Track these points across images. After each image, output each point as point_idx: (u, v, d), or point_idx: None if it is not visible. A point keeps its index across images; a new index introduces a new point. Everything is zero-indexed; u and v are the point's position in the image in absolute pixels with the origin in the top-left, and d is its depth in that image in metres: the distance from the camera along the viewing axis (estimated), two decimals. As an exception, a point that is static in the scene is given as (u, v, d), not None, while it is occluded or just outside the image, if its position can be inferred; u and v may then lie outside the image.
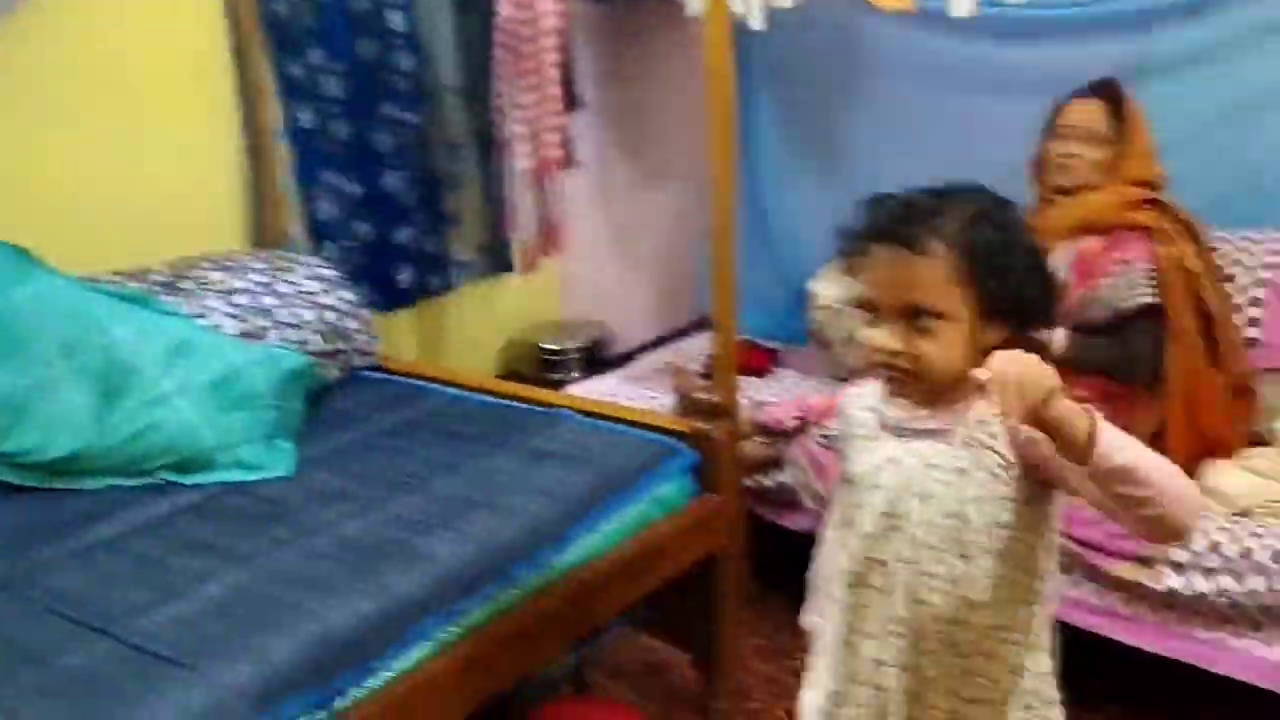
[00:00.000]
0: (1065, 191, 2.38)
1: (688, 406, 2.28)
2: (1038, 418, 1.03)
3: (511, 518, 1.88)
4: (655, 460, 2.13)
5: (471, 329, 3.52)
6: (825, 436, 2.45)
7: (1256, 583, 1.99)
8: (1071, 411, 1.03)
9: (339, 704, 1.52)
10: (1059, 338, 2.28)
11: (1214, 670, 2.07)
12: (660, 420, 2.33)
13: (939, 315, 1.15)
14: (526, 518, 1.88)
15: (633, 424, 2.27)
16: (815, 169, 3.43)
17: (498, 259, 3.54)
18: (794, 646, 2.57)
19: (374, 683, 1.56)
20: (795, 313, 3.44)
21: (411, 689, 1.60)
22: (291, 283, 2.52)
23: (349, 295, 2.62)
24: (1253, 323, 2.52)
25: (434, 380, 2.58)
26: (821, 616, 1.35)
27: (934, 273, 1.14)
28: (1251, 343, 2.49)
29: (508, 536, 1.83)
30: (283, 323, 2.43)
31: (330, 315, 2.54)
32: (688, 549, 2.13)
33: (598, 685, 2.54)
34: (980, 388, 1.04)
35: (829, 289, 3.02)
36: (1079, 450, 1.03)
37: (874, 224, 1.18)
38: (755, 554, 2.34)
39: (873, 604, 1.22)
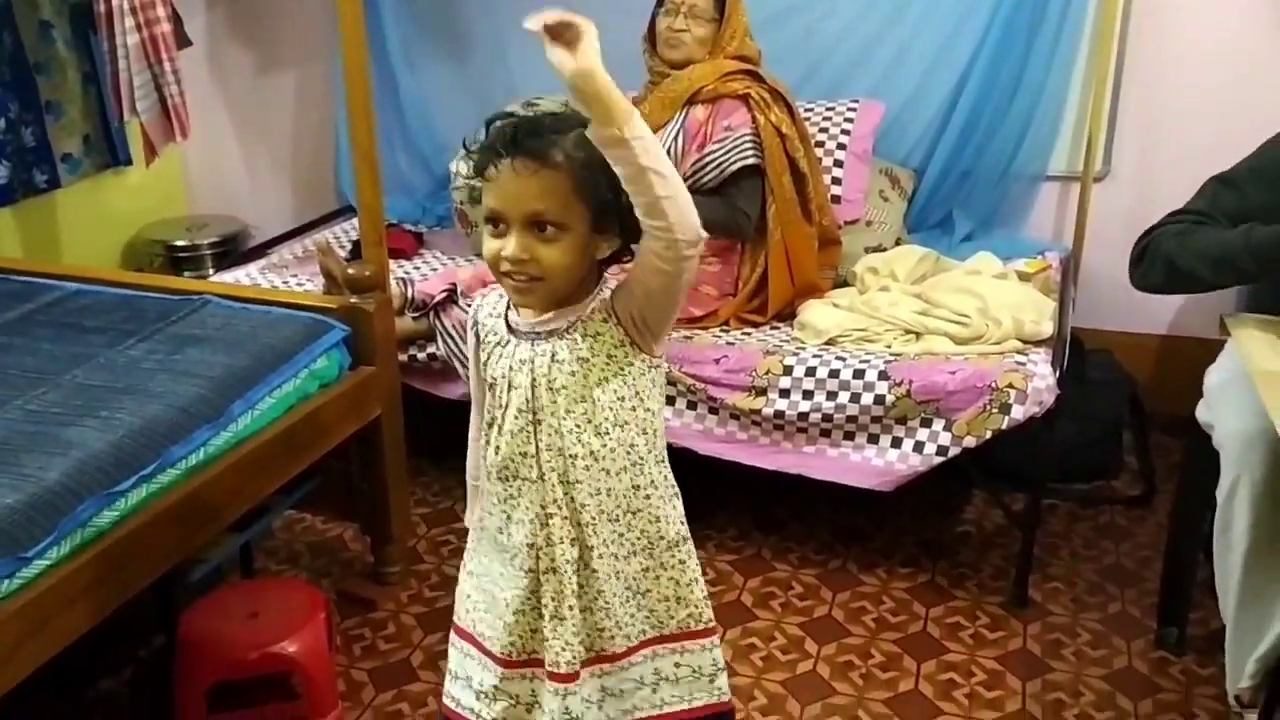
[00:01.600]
0: (675, 65, 2.60)
1: (337, 283, 2.29)
2: (585, 86, 1.11)
3: (161, 401, 1.84)
4: (308, 337, 2.14)
5: (86, 230, 3.27)
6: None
7: (844, 398, 2.35)
8: (610, 85, 1.13)
9: (-7, 597, 1.46)
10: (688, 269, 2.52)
11: (816, 477, 2.44)
12: (309, 299, 2.33)
13: (560, 225, 1.25)
14: (179, 399, 1.85)
15: (281, 304, 2.26)
16: (446, 52, 3.46)
17: (109, 151, 3.29)
18: (458, 511, 2.72)
19: (29, 572, 1.51)
20: (437, 196, 3.50)
21: (70, 576, 1.56)
22: None
23: (-61, 189, 2.37)
24: (835, 182, 2.91)
25: (51, 276, 2.40)
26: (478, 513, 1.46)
27: (557, 185, 1.22)
28: (835, 199, 2.87)
29: (159, 419, 1.79)
30: None
31: (-82, 211, 2.28)
32: (347, 419, 2.18)
33: (266, 571, 2.55)
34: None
35: (469, 168, 3.09)
36: (614, 121, 1.12)
37: (501, 140, 1.23)
38: (412, 426, 2.43)
39: (525, 493, 1.35)
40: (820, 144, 2.93)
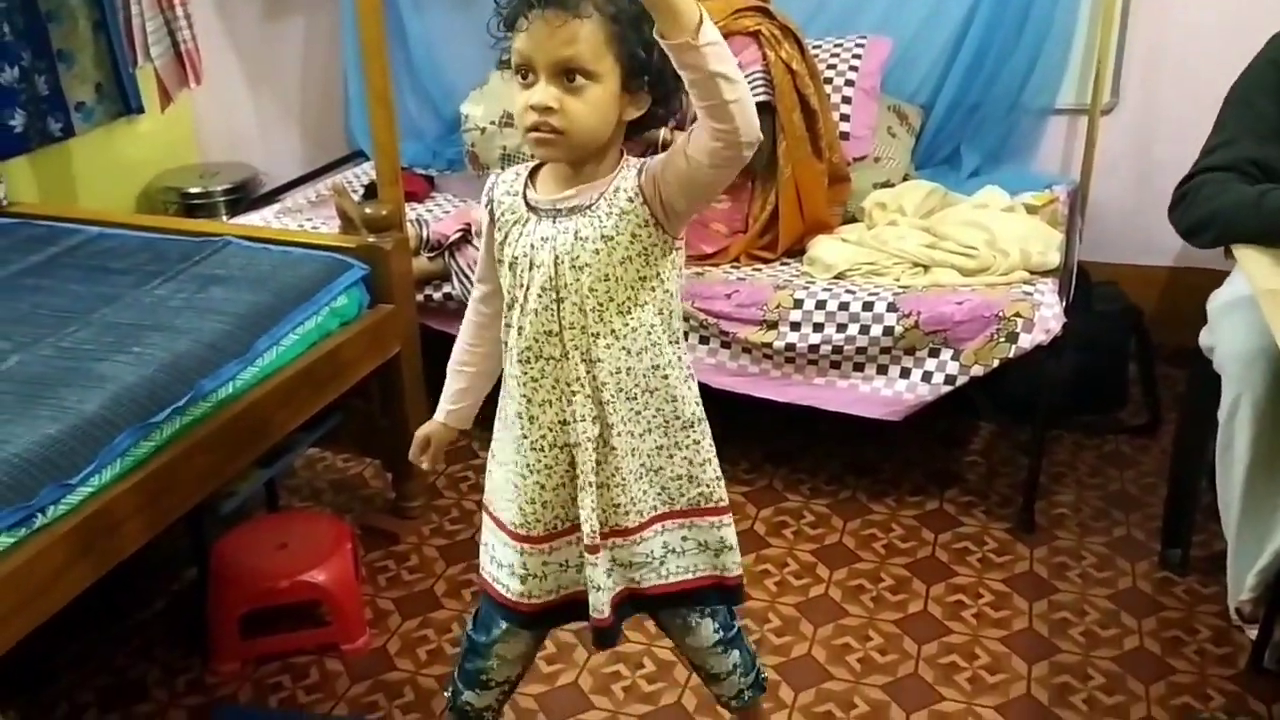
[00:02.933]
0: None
1: (353, 223, 2.33)
2: None
3: (190, 337, 1.89)
4: (328, 275, 2.18)
5: (100, 177, 3.30)
6: (488, 246, 2.60)
7: (853, 330, 2.39)
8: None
9: (40, 521, 1.52)
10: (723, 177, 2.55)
11: (827, 408, 2.49)
12: (327, 239, 2.37)
13: (590, 76, 1.22)
14: (206, 335, 1.91)
15: (300, 245, 2.30)
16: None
17: (122, 100, 3.31)
18: (478, 447, 2.78)
19: (74, 499, 1.58)
20: (447, 140, 3.52)
21: (110, 503, 1.63)
22: (-114, 123, 2.27)
23: (-42, 136, 2.40)
24: (844, 119, 2.93)
25: (73, 221, 2.45)
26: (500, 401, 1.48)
27: (589, 33, 1.21)
28: (844, 136, 2.89)
29: (190, 354, 1.85)
30: (-117, 167, 2.20)
31: (-60, 157, 2.32)
32: (368, 355, 2.23)
33: (289, 507, 2.62)
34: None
35: (480, 110, 3.12)
36: (688, 29, 1.12)
37: None
38: (428, 366, 2.48)
39: (549, 372, 1.36)
40: (828, 81, 2.93)
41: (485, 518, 1.52)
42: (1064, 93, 3.07)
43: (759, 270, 2.63)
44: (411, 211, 2.97)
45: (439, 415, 1.59)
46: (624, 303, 1.33)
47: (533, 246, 1.33)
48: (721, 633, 1.59)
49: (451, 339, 1.61)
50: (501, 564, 1.48)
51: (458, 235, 2.61)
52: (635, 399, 1.38)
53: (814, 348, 2.42)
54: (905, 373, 2.40)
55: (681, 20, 1.12)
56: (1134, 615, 2.19)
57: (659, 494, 1.45)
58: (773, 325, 2.43)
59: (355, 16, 2.28)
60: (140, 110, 3.32)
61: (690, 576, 1.50)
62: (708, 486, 1.47)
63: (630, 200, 1.31)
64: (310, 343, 2.10)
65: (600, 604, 1.43)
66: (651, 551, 1.47)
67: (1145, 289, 3.06)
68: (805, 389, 2.49)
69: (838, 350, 2.41)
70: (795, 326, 2.42)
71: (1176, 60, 2.97)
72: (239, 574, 2.07)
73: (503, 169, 3.07)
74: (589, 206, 1.31)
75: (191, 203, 3.43)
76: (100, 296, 2.04)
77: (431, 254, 2.64)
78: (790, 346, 2.43)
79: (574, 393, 1.36)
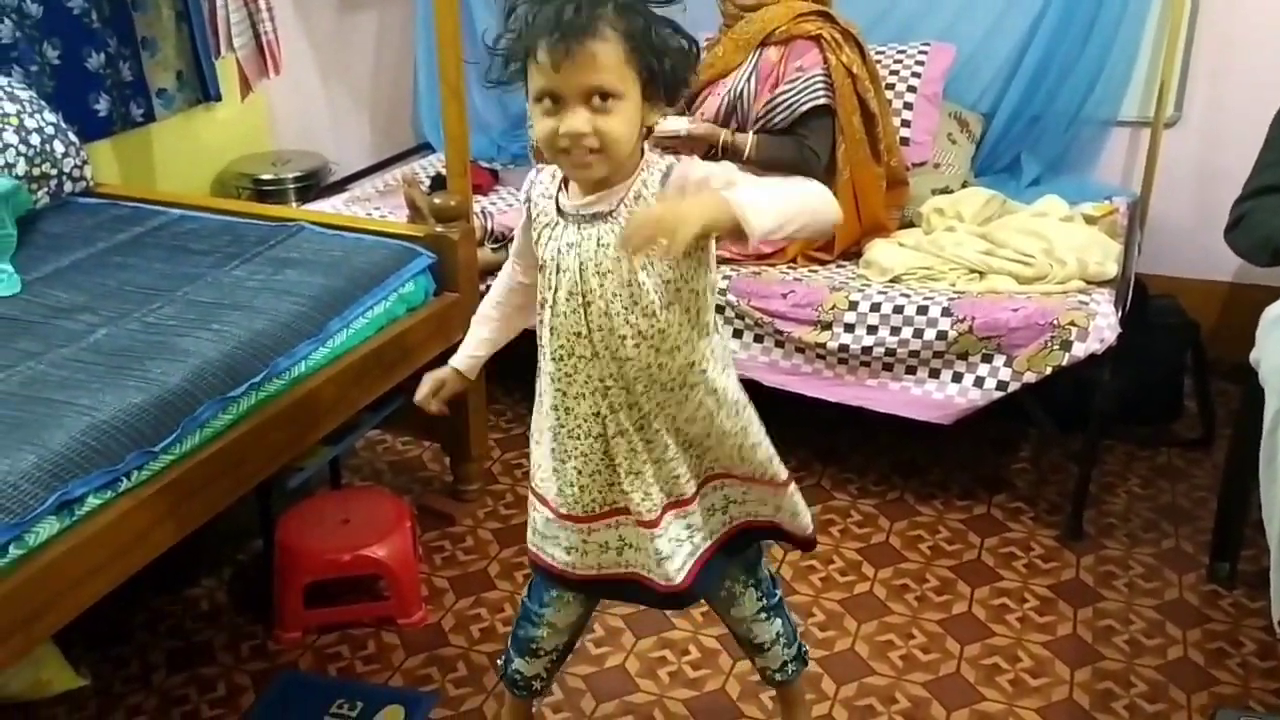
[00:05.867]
0: (749, 8, 2.66)
1: (421, 213, 2.41)
2: (701, 235, 1.21)
3: (267, 317, 1.97)
4: (396, 262, 2.26)
5: (178, 162, 3.40)
6: (550, 239, 2.67)
7: (907, 334, 2.42)
8: (715, 223, 1.19)
9: (125, 485, 1.61)
10: (747, 141, 2.59)
11: (878, 409, 2.52)
12: (397, 227, 2.45)
13: (616, 95, 1.25)
14: (281, 315, 1.98)
15: (370, 232, 2.38)
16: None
17: (201, 88, 3.42)
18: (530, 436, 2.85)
19: (156, 465, 1.66)
20: (511, 134, 3.60)
21: (189, 471, 1.71)
22: (-14, 105, 2.38)
23: (51, 118, 2.51)
24: (904, 124, 2.96)
25: (155, 203, 2.55)
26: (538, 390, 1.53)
27: (610, 54, 1.24)
28: (904, 141, 2.92)
29: (266, 333, 1.93)
30: (-18, 146, 2.31)
31: (35, 139, 2.43)
32: (432, 341, 2.30)
33: (352, 486, 2.70)
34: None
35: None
36: (742, 240, 1.22)
37: (551, 17, 1.23)
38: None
39: (582, 369, 1.41)
40: (890, 86, 2.97)
41: (530, 493, 1.58)
42: (1127, 105, 3.07)
43: (815, 271, 2.67)
44: (476, 204, 3.05)
45: (457, 362, 1.67)
46: (648, 306, 1.36)
47: (560, 251, 1.37)
48: (764, 600, 1.65)
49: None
50: (545, 535, 1.55)
51: (521, 228, 2.67)
52: (673, 390, 1.43)
53: (867, 349, 2.45)
54: (957, 377, 2.43)
55: (742, 233, 1.20)
56: (1179, 626, 2.20)
57: (713, 462, 1.51)
58: (827, 326, 2.47)
59: (428, 10, 2.35)
60: (218, 98, 3.42)
61: (753, 517, 1.57)
62: (760, 465, 1.52)
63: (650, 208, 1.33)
64: (378, 326, 2.18)
65: (671, 572, 1.48)
66: (713, 505, 1.53)
67: (1204, 303, 3.05)
68: (857, 389, 2.52)
69: (890, 353, 2.44)
70: (849, 328, 2.46)
71: (1242, 75, 2.96)
72: (303, 546, 2.16)
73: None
74: (610, 213, 1.34)
75: (263, 188, 3.52)
76: (183, 275, 2.13)
77: (495, 245, 2.72)
78: (844, 347, 2.46)
79: (607, 388, 1.41)
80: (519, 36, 1.28)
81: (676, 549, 1.49)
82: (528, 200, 1.46)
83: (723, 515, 1.55)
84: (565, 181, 1.41)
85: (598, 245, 1.35)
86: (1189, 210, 3.09)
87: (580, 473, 1.46)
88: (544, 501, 1.54)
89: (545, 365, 1.46)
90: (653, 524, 1.47)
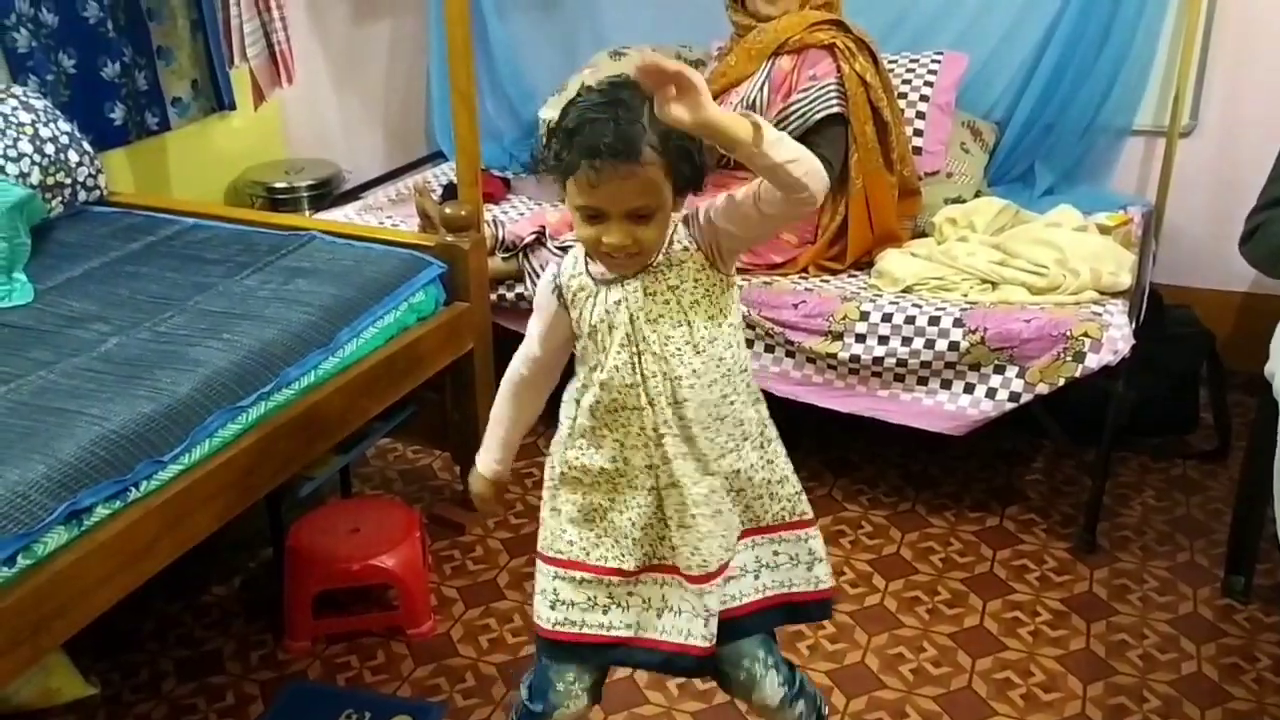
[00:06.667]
0: (762, 18, 2.65)
1: (432, 222, 2.41)
2: (708, 132, 1.21)
3: (277, 326, 1.98)
4: (407, 272, 2.26)
5: (193, 170, 3.43)
6: (561, 248, 2.67)
7: (919, 344, 2.41)
8: (727, 118, 1.22)
9: (134, 495, 1.61)
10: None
11: (889, 420, 2.51)
12: (407, 237, 2.45)
13: (656, 209, 1.32)
14: (292, 325, 1.99)
15: (381, 241, 2.39)
16: (536, 1, 3.54)
17: (215, 96, 3.44)
18: (540, 446, 2.84)
19: (165, 475, 1.66)
20: (524, 143, 3.60)
21: (198, 481, 1.71)
22: (2, 114, 2.40)
23: (66, 127, 2.53)
24: (917, 133, 2.95)
25: (169, 211, 2.56)
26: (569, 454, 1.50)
27: (651, 176, 1.29)
28: (916, 151, 2.91)
29: (276, 343, 1.93)
30: (-2, 155, 2.33)
31: (49, 148, 2.44)
32: (442, 351, 2.31)
33: (361, 495, 2.70)
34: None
35: (558, 115, 3.18)
36: (749, 144, 1.22)
37: (597, 147, 1.27)
38: (500, 364, 2.54)
39: (633, 421, 1.43)
40: (903, 95, 2.96)
41: (547, 566, 1.51)
42: (1142, 114, 3.05)
43: (826, 281, 2.66)
44: (488, 213, 3.05)
45: (487, 471, 1.67)
46: (699, 342, 1.40)
47: (608, 312, 1.40)
48: (786, 686, 1.61)
49: (523, 338, 1.66)
50: (574, 603, 1.49)
51: (532, 237, 2.68)
52: (722, 424, 1.44)
53: (878, 360, 2.44)
54: (970, 388, 2.41)
55: (739, 138, 1.21)
56: (1194, 641, 2.18)
57: (744, 512, 1.50)
58: (838, 336, 2.46)
59: (442, 20, 2.36)
60: (233, 107, 3.44)
61: (784, 591, 1.54)
62: (789, 501, 1.52)
63: (686, 249, 1.39)
64: (389, 336, 2.18)
65: (711, 633, 1.47)
66: (745, 565, 1.51)
67: (1220, 314, 3.03)
68: (868, 400, 2.51)
69: (902, 363, 2.43)
70: (860, 338, 2.45)
71: (1258, 84, 2.94)
72: (313, 555, 2.16)
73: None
74: (650, 265, 1.39)
75: (276, 197, 3.54)
76: (194, 285, 2.14)
77: (506, 255, 2.71)
78: (855, 358, 2.45)
79: (660, 436, 1.42)
80: (558, 157, 1.32)
81: (710, 603, 1.46)
82: (556, 290, 1.46)
83: (754, 580, 1.53)
84: (589, 254, 1.43)
85: (645, 294, 1.39)
86: (1205, 220, 3.07)
87: (634, 524, 1.47)
88: (576, 565, 1.50)
89: (588, 423, 1.45)
90: (703, 579, 1.46)
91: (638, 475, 1.45)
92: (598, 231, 1.33)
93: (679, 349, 1.40)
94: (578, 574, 1.49)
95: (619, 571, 1.48)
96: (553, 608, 1.50)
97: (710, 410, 1.43)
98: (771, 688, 1.59)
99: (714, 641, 1.48)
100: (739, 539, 1.51)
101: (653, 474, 1.44)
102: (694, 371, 1.40)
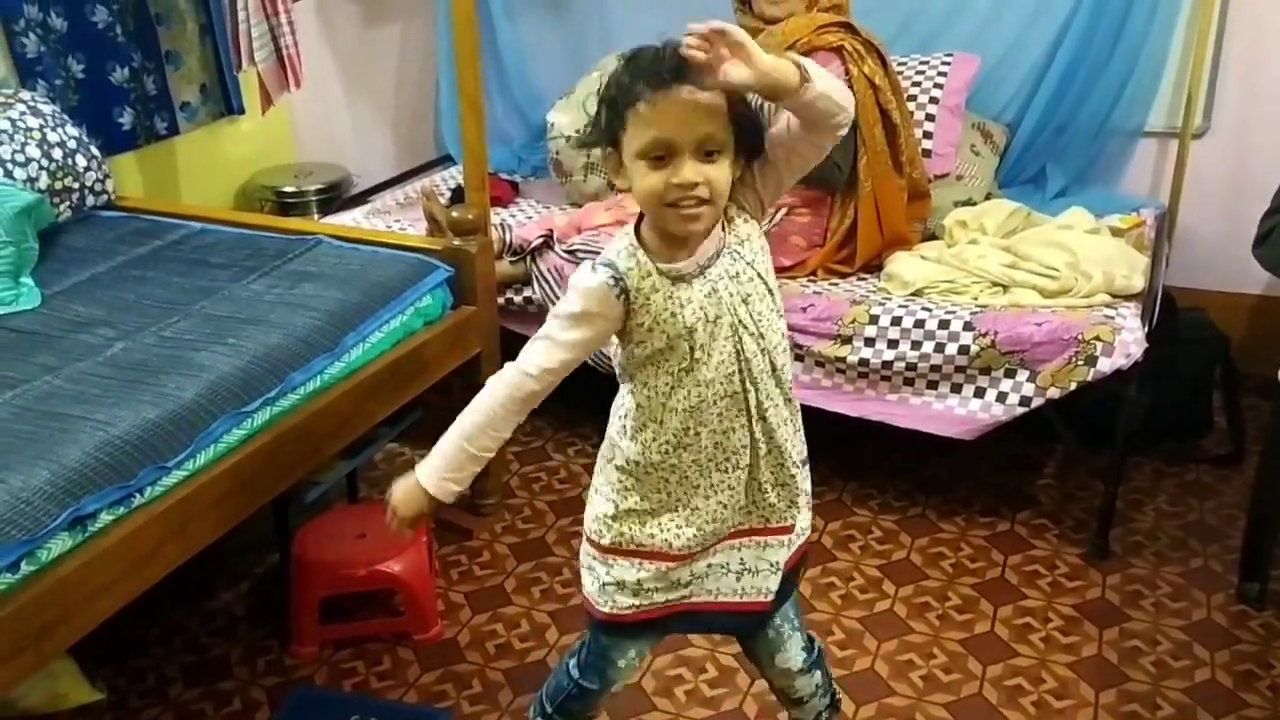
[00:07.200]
0: (771, 21, 2.64)
1: (440, 225, 2.40)
2: (766, 83, 1.21)
3: (283, 331, 1.97)
4: (414, 276, 2.25)
5: (202, 174, 3.42)
6: (569, 252, 2.66)
7: (928, 348, 2.39)
8: (778, 64, 1.23)
9: (138, 501, 1.60)
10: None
11: (899, 424, 2.49)
12: (414, 241, 2.45)
13: (722, 147, 1.27)
14: (298, 330, 1.98)
15: (388, 245, 2.38)
16: (544, 5, 3.54)
17: (224, 100, 3.44)
18: (548, 450, 2.84)
19: (169, 481, 1.66)
20: (532, 146, 3.59)
21: (203, 487, 1.70)
22: (10, 119, 2.40)
23: (74, 131, 2.53)
24: (927, 135, 2.93)
25: (176, 216, 2.56)
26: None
27: (718, 106, 1.26)
28: (926, 153, 2.89)
29: (282, 347, 1.93)
30: (5, 160, 2.33)
31: (57, 152, 2.44)
32: (449, 355, 2.30)
33: (369, 499, 2.69)
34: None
35: (566, 119, 3.18)
36: (796, 86, 1.22)
37: (660, 70, 1.25)
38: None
39: (732, 408, 1.39)
40: (912, 98, 2.94)
41: (620, 561, 1.47)
42: (1154, 115, 3.03)
43: (836, 285, 2.65)
44: (496, 216, 3.05)
45: (437, 490, 1.51)
46: (779, 308, 1.42)
47: (702, 308, 1.36)
48: (808, 652, 1.64)
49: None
50: (655, 589, 1.48)
51: (540, 241, 2.67)
52: (788, 383, 1.46)
53: (888, 364, 2.42)
54: (980, 392, 2.39)
55: (790, 81, 1.22)
56: (1207, 647, 2.15)
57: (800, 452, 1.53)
58: (847, 340, 2.44)
59: (450, 24, 2.35)
60: (241, 111, 3.44)
61: (809, 530, 1.59)
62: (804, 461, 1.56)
63: (745, 222, 1.39)
64: (395, 340, 2.17)
65: (774, 586, 1.52)
66: (808, 521, 1.56)
67: (1234, 317, 3.00)
68: (878, 404, 2.49)
69: (911, 367, 2.41)
70: (870, 342, 2.43)
71: (1272, 86, 2.92)
72: (320, 560, 2.15)
73: (585, 177, 3.15)
74: (725, 248, 1.37)
75: (285, 201, 3.54)
76: (200, 289, 2.14)
77: (514, 258, 2.71)
78: (864, 362, 2.43)
79: (764, 410, 1.41)
80: (620, 92, 1.28)
81: (782, 556, 1.51)
82: (622, 293, 1.35)
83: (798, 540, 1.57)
84: (643, 252, 1.37)
85: (730, 278, 1.37)
86: (1218, 222, 3.04)
87: (724, 506, 1.45)
88: (657, 555, 1.47)
89: (684, 424, 1.40)
90: (789, 529, 1.50)
91: (731, 456, 1.42)
92: (665, 175, 1.26)
93: (770, 320, 1.39)
94: (663, 565, 1.47)
95: (702, 551, 1.48)
96: (635, 595, 1.48)
97: (788, 368, 1.45)
98: (796, 649, 1.63)
99: (771, 597, 1.52)
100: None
101: (752, 450, 1.42)
102: (781, 335, 1.42)
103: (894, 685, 2.08)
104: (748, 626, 1.58)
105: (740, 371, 1.38)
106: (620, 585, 1.48)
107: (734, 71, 1.19)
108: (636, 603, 1.49)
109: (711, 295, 1.35)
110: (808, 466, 1.54)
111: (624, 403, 1.45)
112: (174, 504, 1.64)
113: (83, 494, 1.52)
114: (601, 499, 1.49)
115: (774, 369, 1.40)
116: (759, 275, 1.38)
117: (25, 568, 1.45)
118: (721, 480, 1.44)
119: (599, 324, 1.38)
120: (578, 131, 2.93)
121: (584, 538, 1.54)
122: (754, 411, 1.40)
